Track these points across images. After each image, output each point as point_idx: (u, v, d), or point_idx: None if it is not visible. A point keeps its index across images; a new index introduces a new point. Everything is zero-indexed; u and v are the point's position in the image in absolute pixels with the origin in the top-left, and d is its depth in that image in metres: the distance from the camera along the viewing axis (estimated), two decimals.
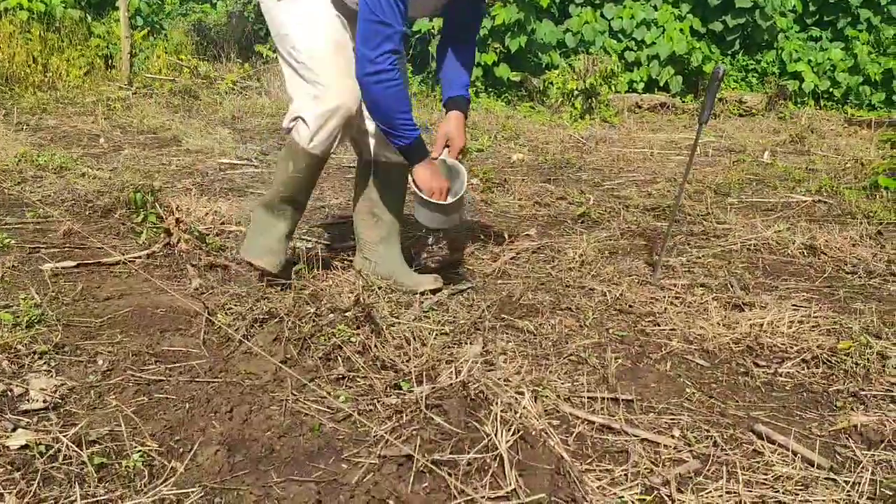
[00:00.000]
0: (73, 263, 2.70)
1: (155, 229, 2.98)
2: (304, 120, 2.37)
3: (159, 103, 6.64)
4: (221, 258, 2.81)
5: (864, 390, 1.94)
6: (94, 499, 1.46)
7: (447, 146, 2.46)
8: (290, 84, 2.42)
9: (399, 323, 2.22)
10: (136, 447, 1.62)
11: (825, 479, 1.56)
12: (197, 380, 1.94)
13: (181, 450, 1.64)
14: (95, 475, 1.52)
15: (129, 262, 2.75)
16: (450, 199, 2.35)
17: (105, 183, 3.74)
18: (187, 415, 1.78)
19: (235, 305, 2.33)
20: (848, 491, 1.51)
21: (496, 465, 1.56)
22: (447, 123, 2.45)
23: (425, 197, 2.32)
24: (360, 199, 2.64)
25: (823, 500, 1.48)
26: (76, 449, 1.58)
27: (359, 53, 2.15)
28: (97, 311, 2.32)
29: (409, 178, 2.37)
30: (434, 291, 2.53)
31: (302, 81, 2.36)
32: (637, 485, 1.54)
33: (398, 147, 2.28)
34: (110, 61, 8.09)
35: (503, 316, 2.38)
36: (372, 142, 2.56)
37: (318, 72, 2.32)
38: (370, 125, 2.52)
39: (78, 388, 1.87)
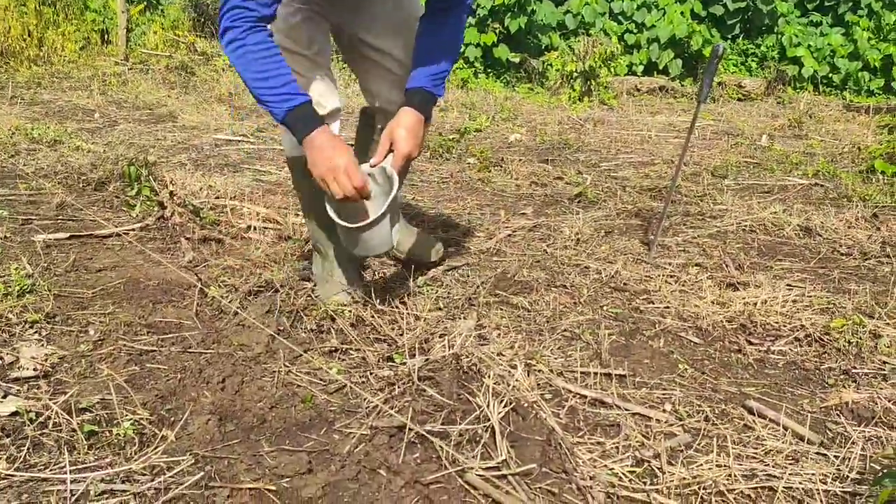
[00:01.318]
0: (66, 235, 2.69)
1: (149, 202, 2.97)
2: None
3: (155, 79, 6.60)
4: (216, 231, 2.79)
5: (855, 368, 1.94)
6: (84, 465, 1.46)
7: (391, 151, 1.96)
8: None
9: (393, 297, 2.22)
10: (126, 416, 1.62)
11: (815, 453, 1.56)
12: (189, 350, 1.94)
13: (172, 419, 1.64)
14: (85, 442, 1.51)
15: (123, 234, 2.73)
16: (363, 220, 1.88)
17: (99, 156, 3.71)
18: (179, 385, 1.78)
19: (229, 278, 2.33)
20: (837, 465, 1.51)
21: (488, 436, 1.56)
22: (395, 121, 1.96)
23: (338, 221, 1.88)
24: (362, 156, 2.20)
25: (813, 474, 1.48)
26: (66, 416, 1.58)
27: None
28: (89, 282, 2.31)
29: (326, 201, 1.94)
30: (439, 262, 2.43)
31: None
32: (628, 457, 1.54)
33: (277, 121, 1.87)
34: (106, 36, 8.02)
35: (498, 292, 2.37)
36: (373, 88, 2.23)
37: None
38: (383, 97, 2.19)
39: (69, 358, 1.86)
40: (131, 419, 1.60)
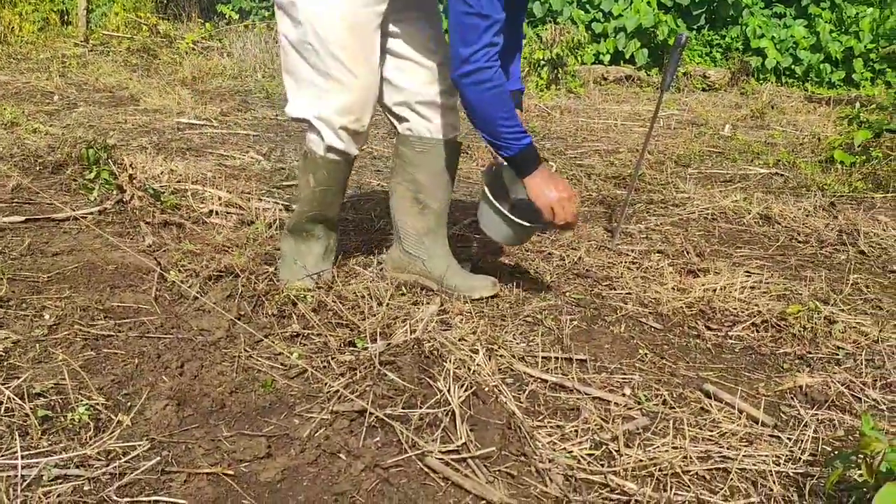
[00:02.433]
0: (22, 218, 2.63)
1: (107, 186, 2.91)
2: (312, 123, 2.03)
3: (116, 61, 6.47)
4: (176, 216, 2.75)
5: (810, 353, 1.98)
6: (37, 450, 1.43)
7: None
8: (292, 71, 2.02)
9: (355, 283, 2.21)
10: (82, 401, 1.59)
11: (769, 435, 1.59)
12: (147, 335, 1.91)
13: (129, 404, 1.62)
14: (39, 427, 1.49)
15: (80, 218, 2.68)
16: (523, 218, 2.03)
17: (57, 139, 3.63)
18: (136, 370, 1.75)
19: (189, 262, 2.29)
20: (790, 447, 1.55)
21: (448, 419, 1.56)
22: None
23: (507, 214, 2.02)
24: (401, 183, 2.21)
25: (766, 456, 1.51)
26: (19, 401, 1.55)
27: (454, 52, 1.85)
28: (45, 266, 2.26)
29: (484, 186, 2.05)
30: (491, 297, 2.24)
31: (306, 68, 1.98)
32: (587, 440, 1.56)
33: (504, 157, 1.97)
34: (66, 17, 7.85)
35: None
36: (420, 112, 2.13)
37: (324, 56, 1.93)
38: (418, 91, 2.11)
39: (22, 342, 1.82)
40: (87, 404, 1.57)
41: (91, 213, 2.73)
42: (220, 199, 2.91)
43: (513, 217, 2.03)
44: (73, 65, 6.21)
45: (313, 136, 2.06)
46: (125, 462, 1.42)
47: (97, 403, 1.59)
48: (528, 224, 2.03)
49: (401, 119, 2.17)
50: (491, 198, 2.04)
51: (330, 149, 2.05)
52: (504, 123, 1.90)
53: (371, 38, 1.98)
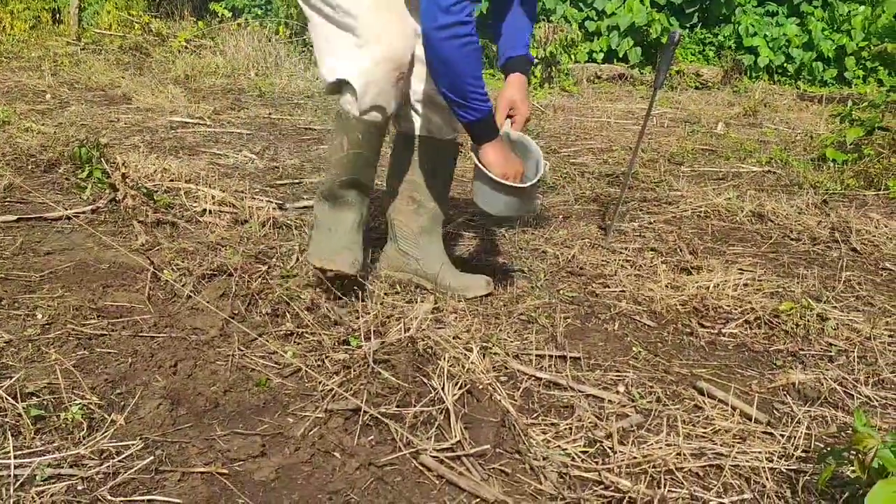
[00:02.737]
0: (14, 218, 2.62)
1: (100, 185, 2.90)
2: (347, 82, 1.96)
3: (109, 60, 6.45)
4: (169, 215, 2.75)
5: (803, 350, 1.99)
6: (30, 450, 1.42)
7: (510, 116, 2.07)
8: (322, 36, 2.00)
9: (349, 281, 2.20)
10: (75, 400, 1.58)
11: (762, 432, 1.60)
12: (140, 335, 1.90)
13: (122, 403, 1.61)
14: (32, 427, 1.48)
15: (73, 217, 2.67)
16: (527, 182, 2.00)
17: (49, 138, 3.62)
18: (129, 369, 1.75)
19: (182, 261, 2.29)
20: (783, 444, 1.55)
21: (442, 417, 1.57)
22: (510, 88, 2.05)
23: (499, 179, 1.95)
24: (398, 181, 2.23)
25: (759, 453, 1.52)
26: (11, 401, 1.54)
27: (431, 3, 1.75)
28: (37, 266, 2.25)
29: (475, 160, 1.99)
30: (485, 296, 2.23)
31: (336, 31, 1.96)
32: (581, 438, 1.56)
33: (466, 122, 1.89)
34: (58, 15, 7.82)
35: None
36: (419, 111, 2.14)
37: (356, 13, 1.90)
38: (417, 89, 2.11)
39: (15, 342, 1.81)
40: (80, 404, 1.57)
41: (84, 212, 2.72)
42: (213, 197, 2.91)
43: (511, 184, 1.97)
44: (66, 63, 6.19)
45: (348, 96, 1.99)
46: (119, 461, 1.42)
47: (90, 403, 1.59)
48: (522, 186, 1.98)
49: (398, 117, 2.17)
50: (483, 168, 1.97)
51: (365, 111, 1.98)
52: (474, 84, 1.82)
53: None
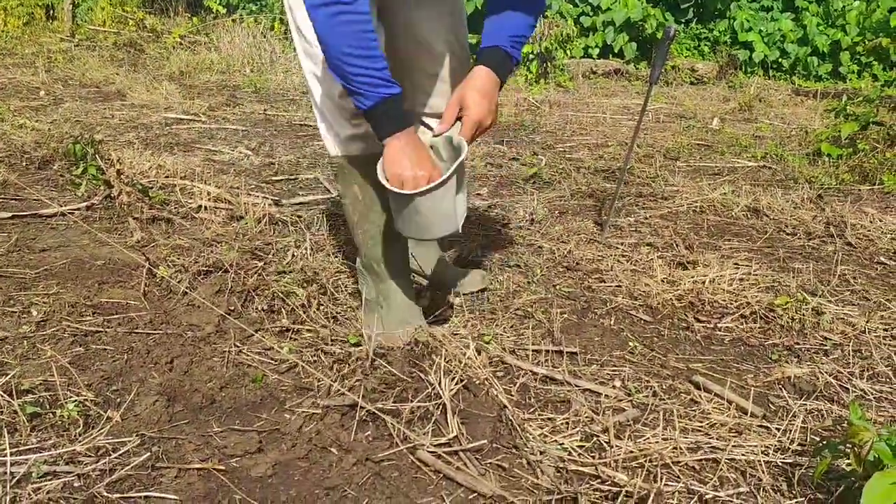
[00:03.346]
0: (8, 215, 2.61)
1: (95, 181, 2.89)
2: (319, 126, 1.85)
3: (103, 56, 6.42)
4: (165, 211, 2.74)
5: (798, 344, 1.99)
6: (26, 447, 1.42)
7: (459, 118, 1.71)
8: (309, 85, 1.81)
9: (345, 278, 2.20)
10: (70, 397, 1.58)
11: (758, 426, 1.60)
12: (136, 331, 1.90)
13: (118, 400, 1.61)
14: (28, 424, 1.48)
15: (68, 213, 2.66)
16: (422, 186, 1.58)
17: (44, 134, 3.60)
18: (126, 365, 1.74)
19: (178, 258, 2.28)
20: (779, 438, 1.56)
21: (439, 413, 1.57)
22: (465, 84, 1.70)
23: (389, 186, 1.60)
24: None
25: (755, 446, 1.52)
26: (7, 398, 1.53)
27: None
28: (32, 263, 2.25)
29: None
30: (481, 291, 2.15)
31: (313, 76, 1.78)
32: (577, 432, 1.56)
33: (360, 110, 1.58)
34: (51, 12, 7.78)
35: None
36: (431, 126, 1.94)
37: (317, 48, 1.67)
38: (425, 102, 1.94)
39: (10, 339, 1.81)
40: (75, 400, 1.57)
41: (78, 209, 2.72)
42: (208, 194, 2.90)
43: (395, 189, 1.59)
44: (59, 60, 6.16)
45: (327, 139, 1.85)
46: (115, 458, 1.41)
47: (86, 399, 1.58)
48: (406, 192, 1.58)
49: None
50: (383, 181, 1.61)
51: (348, 139, 1.81)
52: (355, 63, 1.50)
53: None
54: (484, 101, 1.68)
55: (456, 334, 1.92)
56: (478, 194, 3.29)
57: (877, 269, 2.57)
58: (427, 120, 1.96)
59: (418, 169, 1.57)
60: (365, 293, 1.98)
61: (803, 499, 1.37)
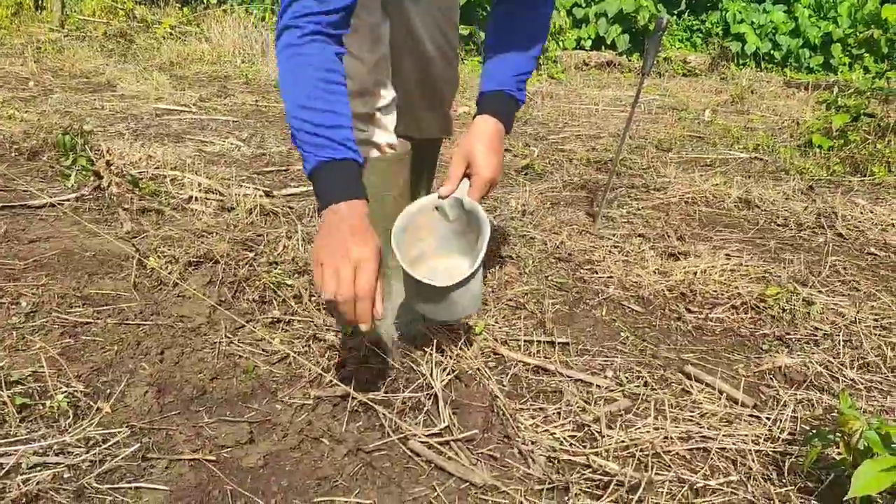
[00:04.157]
0: None
1: (84, 172, 2.87)
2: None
3: (93, 47, 6.37)
4: (155, 202, 2.72)
5: (789, 334, 2.00)
6: (16, 438, 1.41)
7: (467, 175, 1.57)
8: None
9: None
10: (60, 388, 1.57)
11: (749, 415, 1.61)
12: (126, 322, 1.89)
13: (108, 391, 1.60)
14: (17, 415, 1.47)
15: (57, 204, 2.64)
16: (448, 280, 1.44)
17: (33, 125, 3.58)
18: (115, 357, 1.73)
19: (168, 249, 2.27)
20: (769, 427, 1.56)
21: (430, 403, 1.56)
22: (469, 138, 1.56)
23: (409, 272, 1.45)
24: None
25: (746, 435, 1.53)
26: None
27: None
28: (21, 254, 2.23)
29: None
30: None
31: None
32: (569, 422, 1.56)
33: (305, 172, 1.35)
34: (40, 2, 7.71)
35: None
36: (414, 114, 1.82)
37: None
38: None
39: None
40: (65, 391, 1.56)
41: (68, 200, 2.70)
42: (199, 185, 2.89)
43: (424, 280, 1.45)
44: (49, 50, 6.11)
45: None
46: (105, 449, 1.41)
47: (76, 391, 1.58)
48: (440, 285, 1.44)
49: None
50: (403, 265, 1.47)
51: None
52: (303, 115, 1.29)
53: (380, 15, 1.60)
54: (493, 157, 1.55)
55: (448, 325, 1.92)
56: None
57: (867, 260, 2.58)
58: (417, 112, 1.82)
59: (355, 249, 1.25)
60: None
61: (793, 487, 1.37)
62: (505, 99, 1.59)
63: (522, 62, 1.60)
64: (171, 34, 7.07)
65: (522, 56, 1.60)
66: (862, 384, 1.77)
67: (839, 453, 1.37)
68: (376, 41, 1.58)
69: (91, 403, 1.54)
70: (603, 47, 8.10)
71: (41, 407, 1.51)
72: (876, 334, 1.99)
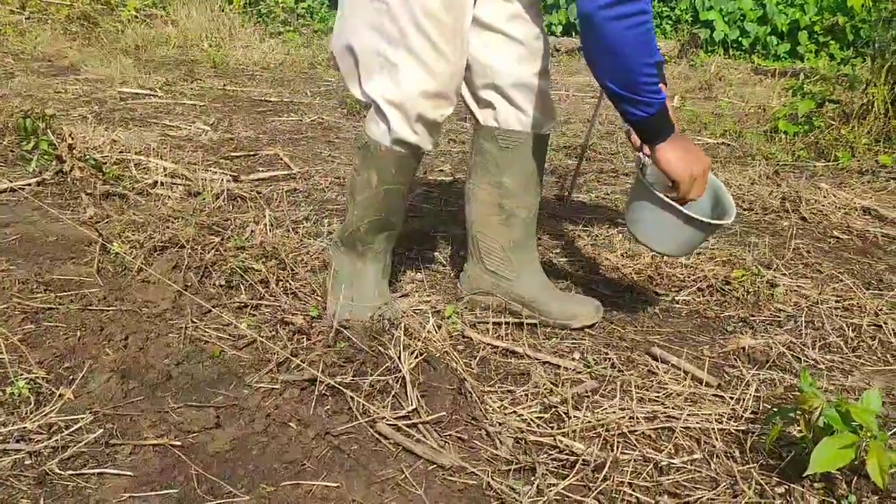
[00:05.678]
0: None
1: (46, 157, 2.81)
2: (380, 107, 1.65)
3: (55, 30, 6.23)
4: (119, 187, 2.68)
5: (753, 316, 2.03)
6: None
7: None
8: (362, 39, 1.62)
9: (306, 254, 2.18)
10: (21, 374, 1.55)
11: (713, 395, 1.63)
12: (90, 308, 1.86)
13: (71, 377, 1.58)
14: None
15: (18, 189, 2.59)
16: (719, 220, 1.72)
17: None
18: (78, 343, 1.71)
19: (133, 234, 2.24)
20: (733, 406, 1.59)
21: (398, 386, 1.56)
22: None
23: (673, 204, 1.62)
24: (483, 186, 1.86)
25: (710, 414, 1.55)
26: None
27: None
28: None
29: (639, 173, 1.69)
30: (591, 326, 1.92)
31: (378, 39, 1.60)
32: (536, 404, 1.57)
33: (634, 120, 1.53)
34: None
35: (413, 247, 2.37)
36: (512, 97, 1.76)
37: (407, 26, 1.56)
38: (511, 71, 1.73)
39: None
40: (26, 378, 1.53)
41: (29, 185, 2.64)
42: (165, 169, 2.84)
43: (694, 214, 1.65)
44: (9, 33, 5.97)
45: (379, 123, 1.68)
46: (68, 435, 1.39)
47: (38, 377, 1.55)
48: (712, 222, 1.69)
49: (485, 105, 1.80)
50: (661, 195, 1.64)
51: (398, 141, 1.67)
52: (648, 73, 1.46)
53: (467, 10, 1.62)
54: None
55: (417, 308, 1.92)
56: (440, 170, 3.28)
57: (829, 243, 2.62)
58: (510, 91, 1.76)
59: (702, 161, 1.61)
60: (336, 266, 1.90)
61: (755, 464, 1.40)
62: (660, 66, 1.73)
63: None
64: (136, 17, 6.93)
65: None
66: (823, 364, 1.81)
67: (800, 431, 1.39)
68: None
69: (53, 390, 1.52)
70: (573, 33, 8.11)
71: (1, 394, 1.49)
72: (837, 316, 2.03)
